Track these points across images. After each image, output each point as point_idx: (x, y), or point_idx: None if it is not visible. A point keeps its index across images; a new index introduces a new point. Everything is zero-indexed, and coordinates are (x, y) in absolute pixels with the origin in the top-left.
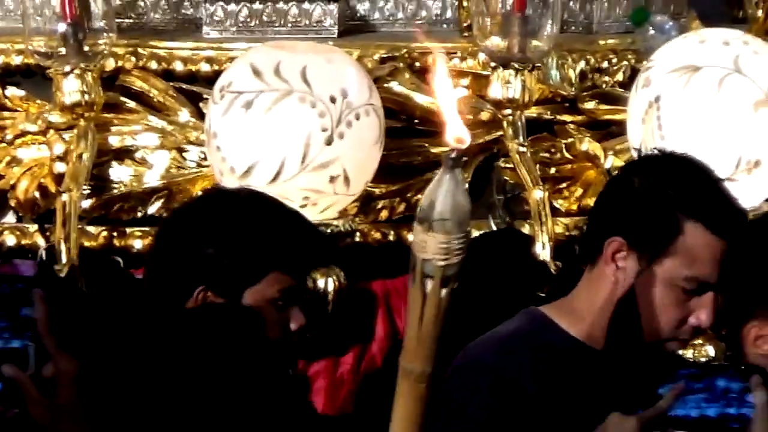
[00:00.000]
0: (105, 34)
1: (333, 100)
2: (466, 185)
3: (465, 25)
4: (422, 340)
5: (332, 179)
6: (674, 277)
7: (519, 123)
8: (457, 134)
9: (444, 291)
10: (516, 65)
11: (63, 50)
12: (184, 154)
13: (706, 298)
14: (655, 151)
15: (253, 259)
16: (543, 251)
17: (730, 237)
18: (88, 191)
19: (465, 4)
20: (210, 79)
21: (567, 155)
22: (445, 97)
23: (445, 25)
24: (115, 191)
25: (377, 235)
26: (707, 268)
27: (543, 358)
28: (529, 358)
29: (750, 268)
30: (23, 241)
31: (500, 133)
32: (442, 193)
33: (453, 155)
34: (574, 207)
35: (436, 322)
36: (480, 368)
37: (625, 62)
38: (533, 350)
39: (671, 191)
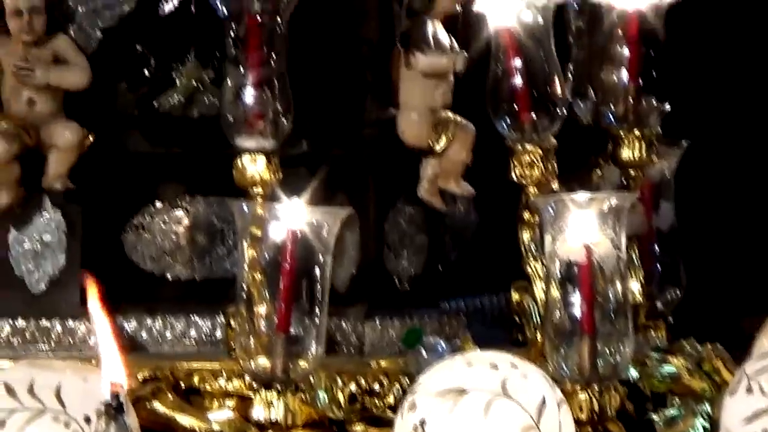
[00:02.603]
0: None
1: (87, 419)
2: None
3: (232, 345)
4: None
5: None
6: None
7: None
8: (113, 378)
9: None
10: (279, 387)
11: None
12: None
13: None
14: None
15: None
16: None
17: None
18: None
19: (232, 323)
20: None
21: None
22: (102, 335)
23: (214, 346)
24: None
25: None
26: None
27: None
28: None
29: None
30: None
31: None
32: None
33: (114, 402)
34: None
35: None
36: None
37: (397, 385)
38: None
39: None
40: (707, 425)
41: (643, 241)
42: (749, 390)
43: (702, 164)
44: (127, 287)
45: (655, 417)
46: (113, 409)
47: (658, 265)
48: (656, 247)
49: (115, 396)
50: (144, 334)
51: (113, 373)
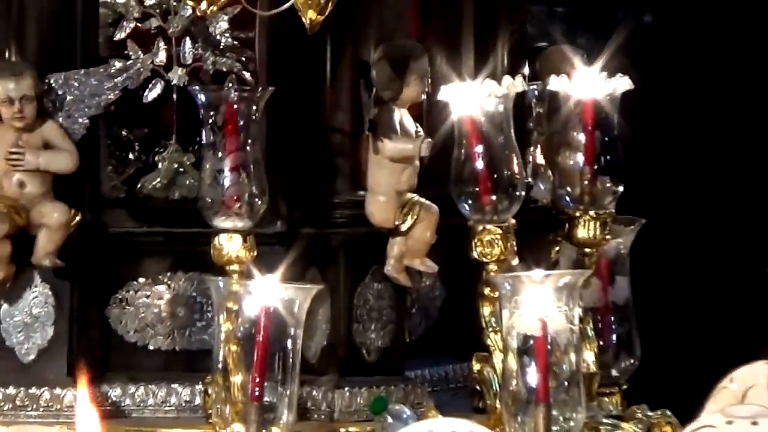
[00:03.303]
0: None
1: None
2: None
3: (210, 411)
4: None
5: None
6: None
7: None
8: None
9: None
10: None
11: None
12: None
13: None
14: None
15: None
16: None
17: None
18: None
19: (209, 392)
20: None
21: None
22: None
23: (193, 412)
24: None
25: None
26: None
27: None
28: None
29: None
30: None
31: None
32: None
33: None
34: None
35: None
36: None
37: None
38: None
39: None
40: None
41: (599, 313)
42: None
43: (656, 240)
44: (112, 357)
45: None
46: None
47: (614, 336)
48: (612, 319)
49: None
50: (127, 401)
51: None
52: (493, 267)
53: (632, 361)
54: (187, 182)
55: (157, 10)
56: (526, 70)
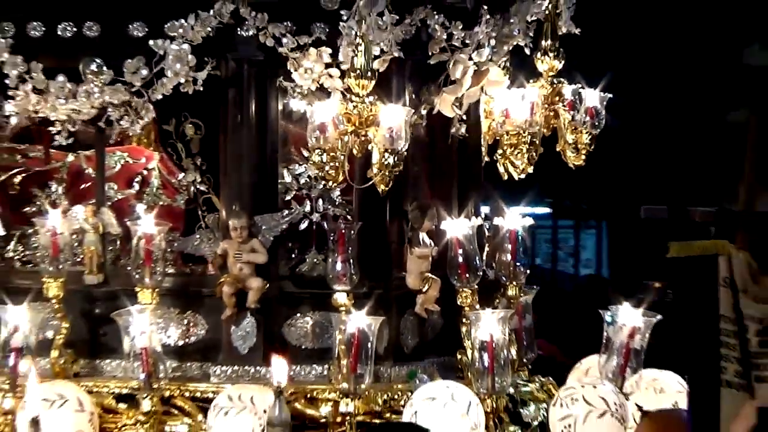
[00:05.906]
0: None
1: (264, 411)
2: None
3: (332, 378)
4: None
5: None
6: None
7: None
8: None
9: None
10: (351, 396)
11: None
12: None
13: None
14: None
15: None
16: None
17: None
18: None
19: (332, 368)
20: None
21: None
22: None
23: (324, 378)
24: None
25: None
26: None
27: None
28: None
29: None
30: None
31: None
32: None
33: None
34: None
35: None
36: None
37: (406, 395)
38: None
39: None
40: (545, 415)
41: (517, 331)
42: (561, 404)
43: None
44: (287, 353)
45: (522, 411)
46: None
47: (524, 342)
48: (524, 334)
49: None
50: (292, 372)
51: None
52: (467, 309)
53: (533, 354)
54: (321, 267)
55: (306, 186)
56: (483, 213)
